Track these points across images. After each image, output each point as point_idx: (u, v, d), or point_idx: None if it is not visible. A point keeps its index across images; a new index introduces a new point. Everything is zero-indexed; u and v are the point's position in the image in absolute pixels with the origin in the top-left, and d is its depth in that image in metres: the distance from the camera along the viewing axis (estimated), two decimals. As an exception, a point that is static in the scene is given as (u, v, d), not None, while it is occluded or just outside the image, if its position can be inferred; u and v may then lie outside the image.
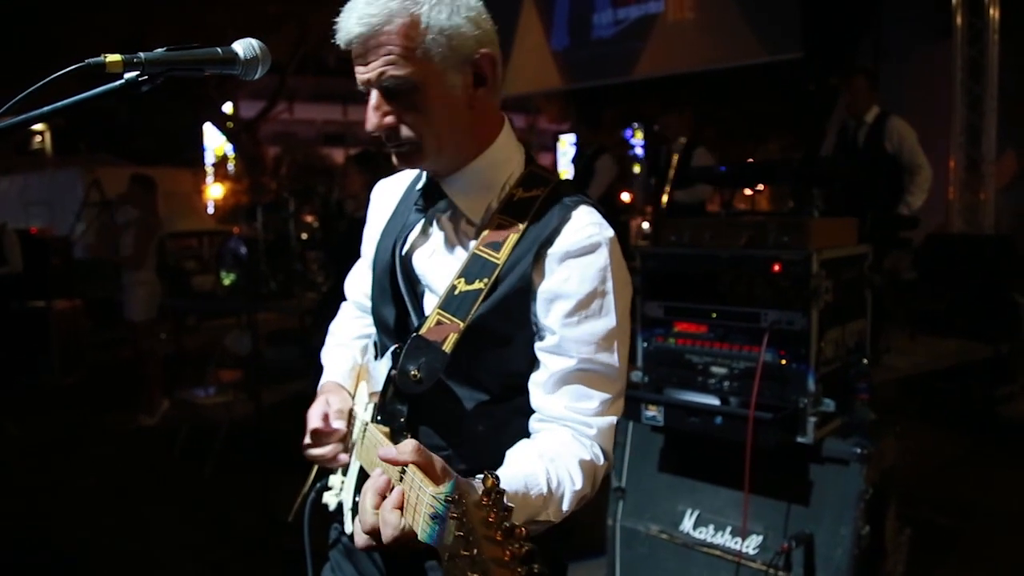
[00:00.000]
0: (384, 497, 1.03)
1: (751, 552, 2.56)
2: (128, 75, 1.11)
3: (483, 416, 1.35)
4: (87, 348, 8.69)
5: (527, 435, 1.34)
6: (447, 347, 1.28)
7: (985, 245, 5.74)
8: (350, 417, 1.49)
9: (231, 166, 23.81)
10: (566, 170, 11.63)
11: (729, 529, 2.65)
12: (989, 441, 5.06)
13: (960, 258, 5.63)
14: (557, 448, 1.24)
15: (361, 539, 1.06)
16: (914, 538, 2.85)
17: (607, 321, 1.29)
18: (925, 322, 5.32)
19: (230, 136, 16.90)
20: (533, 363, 1.34)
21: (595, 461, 1.27)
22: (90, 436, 5.91)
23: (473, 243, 1.33)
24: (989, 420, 5.24)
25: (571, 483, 1.21)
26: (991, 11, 5.85)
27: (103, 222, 9.04)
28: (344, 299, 1.78)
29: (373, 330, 1.63)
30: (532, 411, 1.35)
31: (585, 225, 1.29)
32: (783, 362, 2.47)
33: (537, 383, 1.32)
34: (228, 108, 18.33)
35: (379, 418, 1.37)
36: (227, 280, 8.65)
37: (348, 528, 1.40)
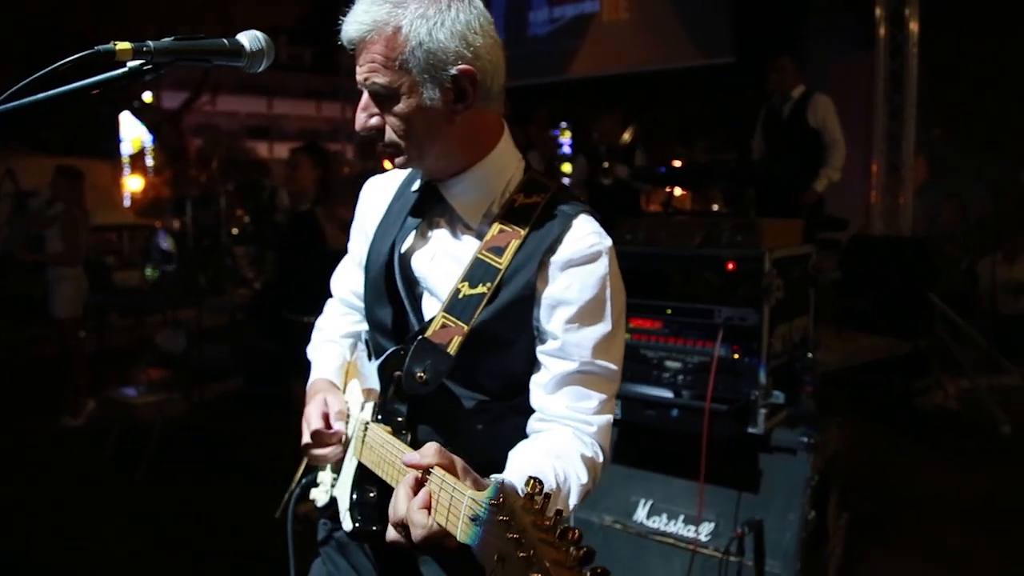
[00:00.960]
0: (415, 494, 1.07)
1: (704, 539, 2.66)
2: (132, 63, 1.10)
3: (481, 414, 1.39)
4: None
5: (523, 433, 1.38)
6: (452, 350, 1.30)
7: (904, 247, 6.05)
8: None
9: (149, 158, 23.00)
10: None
11: (682, 517, 2.74)
12: (908, 431, 5.35)
13: (881, 259, 5.93)
14: (561, 446, 1.29)
15: (391, 535, 1.10)
16: (850, 522, 3.01)
17: (605, 326, 1.33)
18: (850, 319, 5.57)
19: (150, 127, 16.36)
20: (533, 365, 1.38)
21: (596, 457, 1.32)
22: (9, 441, 5.63)
23: (473, 247, 1.36)
24: (908, 412, 5.54)
25: (577, 478, 1.26)
26: (911, 25, 6.18)
27: (19, 215, 8.66)
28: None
29: (361, 327, 1.65)
30: (529, 410, 1.39)
31: (587, 235, 1.33)
32: (736, 356, 2.58)
33: (539, 384, 1.36)
34: (147, 97, 17.72)
35: (379, 417, 1.39)
36: (153, 275, 8.39)
37: (346, 525, 1.40)
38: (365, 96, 1.30)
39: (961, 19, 7.61)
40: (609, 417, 1.36)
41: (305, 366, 4.23)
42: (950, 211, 7.52)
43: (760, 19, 7.33)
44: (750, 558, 2.54)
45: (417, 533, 1.04)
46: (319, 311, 4.34)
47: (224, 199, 8.20)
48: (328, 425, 1.45)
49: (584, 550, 0.80)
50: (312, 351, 1.69)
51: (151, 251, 8.36)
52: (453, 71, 1.26)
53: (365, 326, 1.65)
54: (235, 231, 8.50)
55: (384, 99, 1.28)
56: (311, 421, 1.45)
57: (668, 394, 2.71)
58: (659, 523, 2.79)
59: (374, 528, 1.37)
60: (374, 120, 1.31)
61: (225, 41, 1.16)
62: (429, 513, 1.04)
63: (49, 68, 1.03)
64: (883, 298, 5.72)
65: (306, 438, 1.46)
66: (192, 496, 4.45)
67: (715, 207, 7.51)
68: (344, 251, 1.73)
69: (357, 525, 1.38)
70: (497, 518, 0.88)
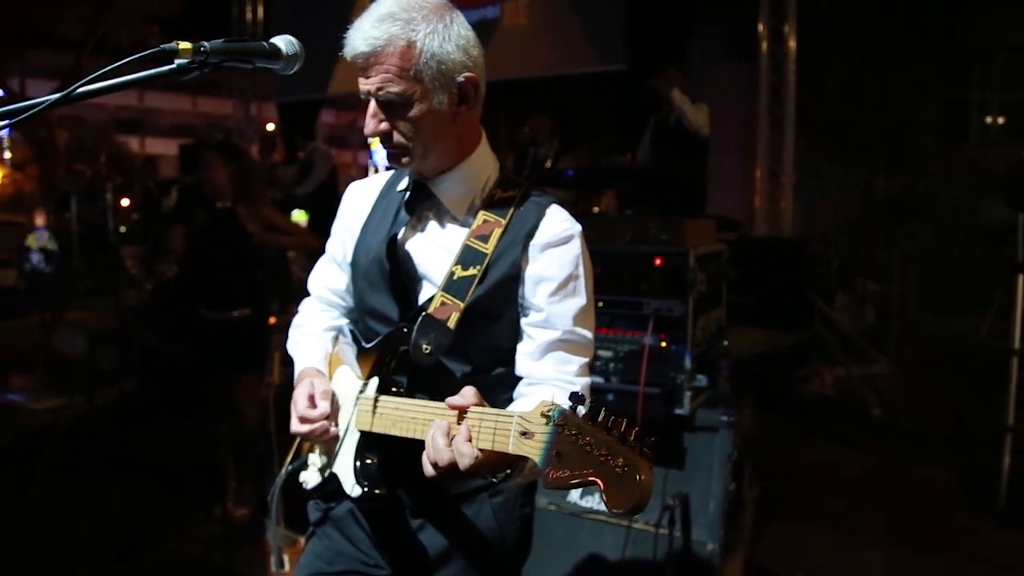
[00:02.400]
0: (451, 436, 1.25)
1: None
2: (179, 61, 1.17)
3: (469, 385, 1.53)
4: None
5: (506, 401, 1.54)
6: (451, 324, 1.46)
7: (785, 248, 6.56)
8: (333, 398, 1.60)
9: (7, 152, 21.49)
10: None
11: (613, 496, 2.94)
12: (792, 416, 5.82)
13: (764, 259, 6.40)
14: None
15: (430, 471, 1.29)
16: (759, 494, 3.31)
17: (580, 299, 1.54)
18: (737, 314, 6.00)
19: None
20: (515, 339, 1.56)
21: None
22: None
23: (461, 236, 1.53)
24: (791, 398, 6.02)
25: None
26: (790, 42, 6.71)
27: None
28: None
29: (340, 323, 1.78)
30: (510, 381, 1.56)
31: (560, 220, 1.54)
32: (663, 344, 2.80)
33: (525, 352, 1.54)
34: None
35: (383, 390, 1.53)
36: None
37: (354, 492, 1.50)
38: (373, 104, 1.45)
39: (824, 36, 8.26)
40: (588, 380, 1.56)
41: (232, 363, 4.19)
42: (823, 215, 8.16)
43: (651, 29, 7.72)
44: (678, 529, 2.77)
45: (465, 462, 1.22)
46: (242, 306, 4.28)
47: (111, 196, 7.84)
48: (313, 405, 1.55)
49: (635, 430, 1.01)
50: (293, 346, 1.78)
51: (25, 249, 7.87)
52: (460, 79, 1.44)
53: (343, 322, 1.79)
54: (123, 229, 8.14)
55: (396, 106, 1.43)
56: (298, 404, 1.55)
57: (600, 380, 2.91)
58: (592, 502, 2.98)
59: (378, 491, 1.51)
60: (383, 125, 1.46)
61: (266, 44, 1.25)
62: (472, 443, 1.23)
63: (125, 60, 1.12)
64: (767, 295, 6.19)
65: (295, 423, 1.56)
66: (101, 503, 4.30)
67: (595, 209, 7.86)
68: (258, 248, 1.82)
69: (365, 490, 1.49)
70: (554, 425, 1.08)
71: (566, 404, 1.11)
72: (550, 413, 1.10)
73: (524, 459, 1.22)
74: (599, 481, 1.00)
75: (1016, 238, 4.48)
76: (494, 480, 1.33)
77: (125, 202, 8.54)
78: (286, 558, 2.95)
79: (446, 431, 1.27)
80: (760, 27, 6.84)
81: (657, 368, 2.80)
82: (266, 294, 4.48)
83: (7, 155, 21.58)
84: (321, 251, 1.83)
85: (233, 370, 4.08)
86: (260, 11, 9.98)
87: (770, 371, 6.02)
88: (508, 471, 1.30)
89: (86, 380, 5.28)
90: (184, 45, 1.14)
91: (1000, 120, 11.92)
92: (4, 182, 20.23)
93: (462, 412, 1.27)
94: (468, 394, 1.29)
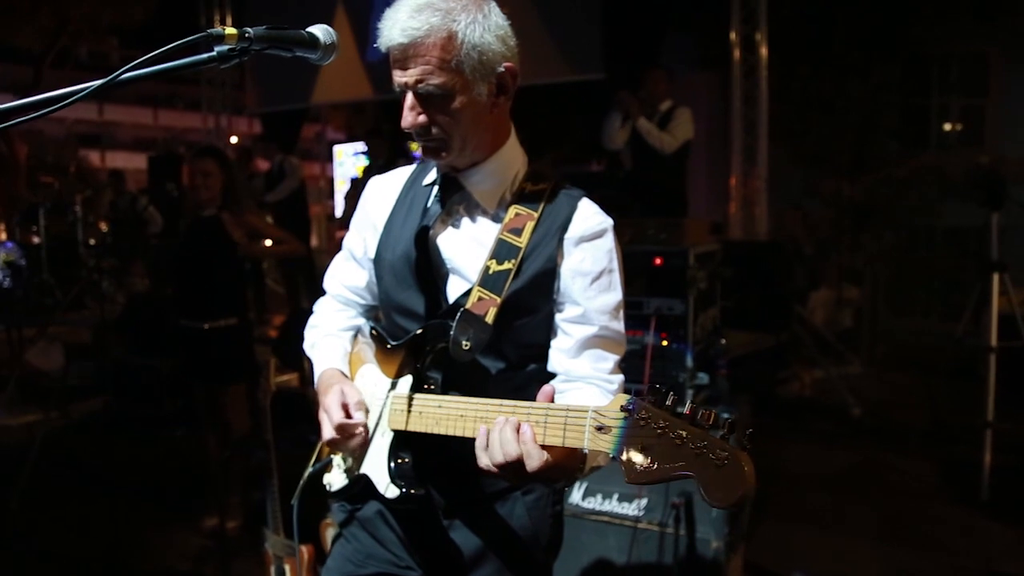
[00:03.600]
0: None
1: (639, 514, 2.88)
2: (219, 49, 1.16)
3: (503, 382, 1.52)
4: None
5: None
6: (489, 319, 1.44)
7: (762, 252, 6.64)
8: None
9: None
10: (343, 180, 11.70)
11: (616, 496, 2.95)
12: (772, 417, 5.89)
13: (743, 263, 6.46)
14: (594, 402, 1.43)
15: (490, 467, 1.27)
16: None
17: (616, 294, 1.53)
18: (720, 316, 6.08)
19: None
20: (550, 333, 1.53)
21: None
22: None
23: (493, 230, 1.51)
24: (772, 400, 6.10)
25: None
26: (761, 49, 6.82)
27: None
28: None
29: (357, 322, 1.75)
30: (543, 377, 1.54)
31: (593, 214, 1.53)
32: (664, 343, 2.82)
33: (561, 349, 1.52)
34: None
35: (417, 387, 1.50)
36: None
37: (390, 493, 1.47)
38: (411, 97, 1.41)
39: (787, 45, 8.41)
40: (622, 377, 1.55)
41: (219, 373, 4.12)
42: (793, 220, 8.30)
43: (627, 37, 7.79)
44: (683, 528, 2.78)
45: (533, 464, 1.21)
46: (228, 316, 4.22)
47: (80, 208, 7.68)
48: (349, 416, 1.51)
49: (728, 422, 0.99)
50: (311, 348, 1.75)
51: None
52: (500, 69, 1.42)
53: (361, 321, 1.75)
54: (92, 242, 7.98)
55: (437, 98, 1.40)
56: (332, 414, 1.51)
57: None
58: (594, 503, 2.98)
59: (414, 491, 1.48)
60: (421, 118, 1.42)
61: (305, 33, 1.23)
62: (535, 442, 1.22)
63: (169, 46, 1.09)
64: (746, 298, 6.26)
65: (327, 431, 1.52)
66: (82, 520, 4.19)
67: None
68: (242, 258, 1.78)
69: (403, 491, 1.47)
70: (635, 419, 1.06)
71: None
72: (631, 407, 1.08)
73: (584, 463, 1.22)
74: (694, 474, 0.99)
75: (990, 238, 4.59)
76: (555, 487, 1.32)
77: (103, 226, 8.38)
78: (287, 568, 2.90)
79: (515, 426, 1.25)
80: (732, 35, 6.94)
81: (658, 367, 2.82)
82: (248, 304, 4.42)
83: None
84: (306, 258, 1.80)
85: (220, 381, 4.02)
86: (229, 20, 9.87)
87: (753, 373, 6.10)
88: (572, 477, 1.30)
89: (61, 394, 5.14)
90: (230, 31, 1.13)
91: (959, 127, 12.25)
92: (-40, 197, 19.70)
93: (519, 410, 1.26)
94: (544, 394, 1.29)
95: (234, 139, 10.95)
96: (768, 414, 5.91)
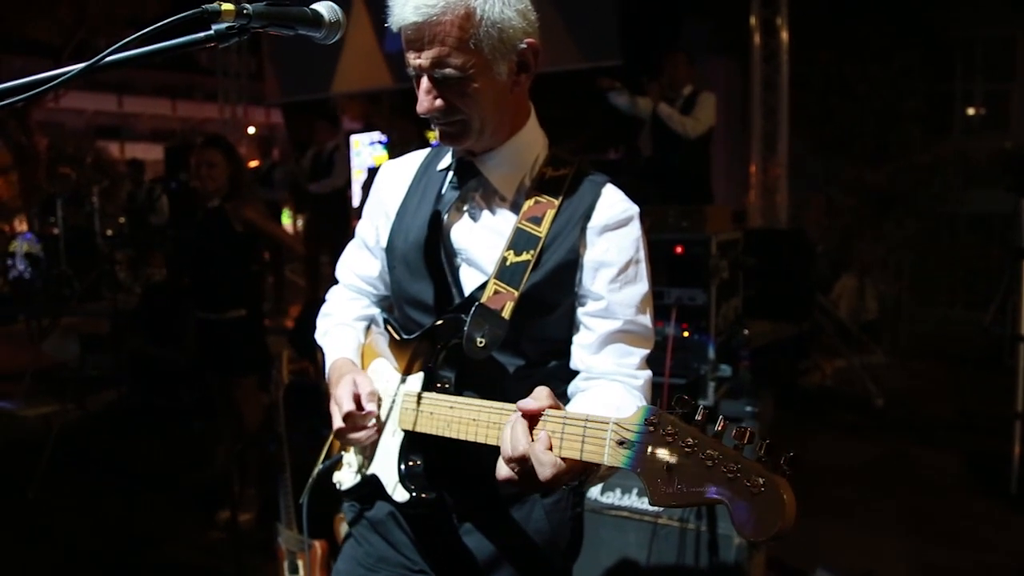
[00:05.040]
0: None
1: (659, 510, 2.81)
2: (217, 27, 1.09)
3: (521, 380, 1.42)
4: None
5: (564, 399, 1.43)
6: (506, 314, 1.35)
7: (783, 240, 6.52)
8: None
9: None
10: (360, 170, 11.65)
11: (635, 491, 2.88)
12: (795, 408, 5.79)
13: (764, 251, 6.35)
14: (618, 400, 1.35)
15: (504, 472, 1.16)
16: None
17: (642, 286, 1.43)
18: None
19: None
20: (570, 330, 1.44)
21: None
22: None
23: (510, 218, 1.42)
24: (794, 390, 6.00)
25: None
26: (782, 34, 6.68)
27: None
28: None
29: (371, 311, 1.67)
30: (564, 375, 1.45)
31: (617, 201, 1.43)
32: (685, 334, 2.74)
33: (583, 345, 1.43)
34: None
35: (430, 385, 1.42)
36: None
37: (400, 496, 1.41)
38: (426, 80, 1.32)
39: (808, 31, 8.26)
40: (649, 373, 1.44)
41: (230, 365, 4.09)
42: (817, 207, 8.16)
43: (644, 24, 7.67)
44: (704, 524, 2.71)
45: (546, 472, 1.10)
46: (237, 307, 4.19)
47: (97, 199, 7.67)
48: (360, 407, 1.43)
49: (766, 443, 0.88)
50: (323, 336, 1.67)
51: (14, 255, 7.70)
52: (522, 45, 1.33)
53: (375, 310, 1.67)
54: (110, 232, 7.98)
55: (455, 81, 1.30)
56: (342, 403, 1.43)
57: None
58: (613, 498, 2.91)
59: (425, 495, 1.40)
60: (439, 102, 1.33)
61: (308, 10, 1.16)
62: (552, 451, 1.10)
63: (159, 24, 1.02)
64: (768, 286, 6.15)
65: (338, 421, 1.44)
66: (96, 510, 4.18)
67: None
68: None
69: (413, 495, 1.39)
70: (660, 434, 0.95)
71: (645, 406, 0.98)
72: (656, 420, 0.97)
73: (598, 465, 1.10)
74: (725, 501, 0.88)
75: (1018, 224, 4.47)
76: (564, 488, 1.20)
77: (122, 219, 8.36)
78: (300, 563, 2.86)
79: (528, 431, 1.14)
80: (752, 19, 6.80)
81: (679, 358, 2.74)
82: (261, 295, 4.38)
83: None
84: (307, 258, 1.73)
85: (232, 373, 3.99)
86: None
87: (774, 363, 6.00)
88: (583, 479, 1.18)
89: (78, 386, 5.14)
90: (227, 6, 1.05)
91: (983, 111, 12.03)
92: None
93: (536, 416, 1.14)
94: (542, 396, 1.15)
95: (251, 129, 10.90)
96: (789, 405, 5.81)
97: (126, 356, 6.47)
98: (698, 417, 0.94)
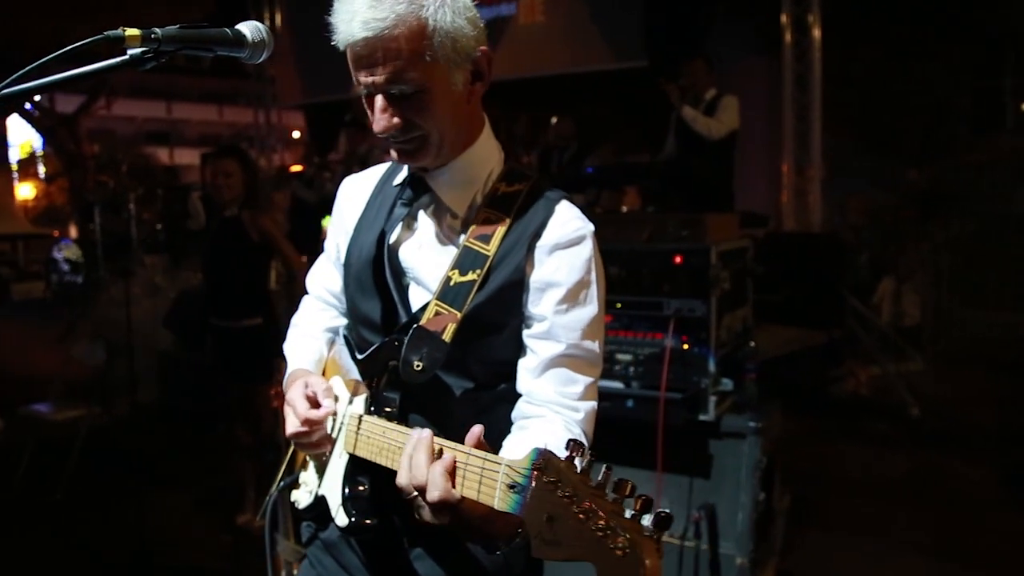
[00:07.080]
0: (436, 458, 1.10)
1: (659, 526, 2.73)
2: (133, 51, 1.07)
3: (469, 403, 1.39)
4: None
5: (509, 421, 1.39)
6: (447, 337, 1.30)
7: (815, 243, 6.35)
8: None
9: (41, 165, 21.83)
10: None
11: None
12: (826, 418, 5.62)
13: (794, 255, 6.20)
14: (552, 439, 1.26)
15: (406, 486, 1.14)
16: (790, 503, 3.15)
17: (591, 309, 1.36)
18: (766, 312, 5.81)
19: (43, 131, 15.47)
20: (519, 351, 1.39)
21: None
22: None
23: (460, 236, 1.37)
24: (825, 399, 5.82)
25: None
26: (814, 31, 6.52)
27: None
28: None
29: (339, 323, 1.64)
30: (515, 397, 1.40)
31: (570, 219, 1.36)
32: (685, 347, 2.66)
33: (526, 368, 1.37)
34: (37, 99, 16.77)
35: (372, 408, 1.39)
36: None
37: (340, 520, 1.38)
38: (381, 99, 1.28)
39: (849, 26, 8.03)
40: (594, 403, 1.38)
41: (246, 373, 4.11)
42: (856, 208, 7.93)
43: (671, 24, 7.56)
44: (705, 542, 2.63)
45: (433, 495, 1.07)
46: (252, 316, 4.22)
47: (134, 205, 7.84)
48: (316, 405, 1.41)
49: (642, 499, 0.81)
50: (288, 347, 1.65)
51: (55, 261, 7.92)
52: (476, 54, 1.30)
53: (343, 321, 1.64)
54: (145, 238, 8.16)
55: (413, 95, 1.26)
56: (296, 406, 1.40)
57: (619, 386, 2.78)
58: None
59: (368, 521, 1.37)
60: (396, 119, 1.29)
61: (228, 31, 1.13)
62: (451, 479, 1.07)
63: (58, 52, 1.00)
64: (797, 292, 5.99)
65: (292, 426, 1.41)
66: (118, 513, 4.25)
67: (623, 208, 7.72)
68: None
69: (352, 520, 1.36)
70: (543, 481, 0.89)
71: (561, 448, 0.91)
72: (541, 464, 0.91)
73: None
74: (594, 564, 0.81)
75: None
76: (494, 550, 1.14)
77: (159, 225, 8.53)
78: (296, 574, 2.86)
79: (430, 449, 1.11)
80: (783, 17, 6.64)
81: (679, 372, 2.66)
82: (274, 303, 4.41)
83: (41, 170, 21.92)
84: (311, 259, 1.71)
85: (248, 381, 4.02)
86: (278, 16, 9.94)
87: (802, 371, 5.83)
88: (515, 540, 1.10)
89: (104, 390, 5.24)
90: (131, 32, 1.03)
91: (1036, 108, 11.57)
92: (38, 195, 20.51)
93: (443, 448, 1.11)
94: (471, 436, 1.11)
95: (296, 134, 10.97)
96: (819, 414, 5.64)
97: (155, 360, 6.59)
98: (584, 463, 0.88)
